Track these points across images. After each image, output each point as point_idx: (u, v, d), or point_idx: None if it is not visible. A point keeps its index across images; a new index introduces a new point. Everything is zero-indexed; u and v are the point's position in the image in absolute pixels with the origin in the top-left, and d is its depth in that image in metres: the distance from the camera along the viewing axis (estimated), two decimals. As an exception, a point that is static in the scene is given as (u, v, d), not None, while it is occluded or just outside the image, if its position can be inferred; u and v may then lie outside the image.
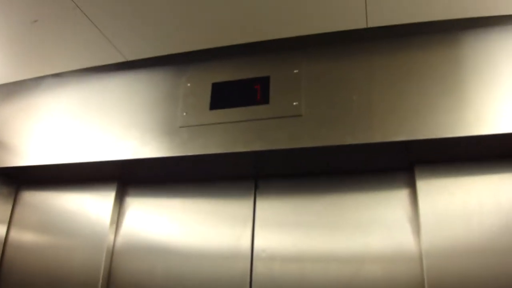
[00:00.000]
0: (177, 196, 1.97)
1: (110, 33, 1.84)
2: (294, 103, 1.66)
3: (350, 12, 1.64)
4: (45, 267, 2.01)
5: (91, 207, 2.04)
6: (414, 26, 1.67)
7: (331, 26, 1.72)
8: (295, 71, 1.73)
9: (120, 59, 2.02)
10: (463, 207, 1.55)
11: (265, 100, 1.71)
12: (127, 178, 2.07)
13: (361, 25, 1.70)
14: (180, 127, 1.78)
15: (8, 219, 2.17)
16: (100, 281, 1.88)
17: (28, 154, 2.02)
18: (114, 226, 2.00)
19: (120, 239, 1.98)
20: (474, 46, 1.57)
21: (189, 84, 1.86)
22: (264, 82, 1.75)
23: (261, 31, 1.79)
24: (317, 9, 1.65)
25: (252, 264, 1.74)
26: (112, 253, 1.96)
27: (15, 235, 2.15)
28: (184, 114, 1.80)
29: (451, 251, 1.50)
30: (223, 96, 1.78)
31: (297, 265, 1.69)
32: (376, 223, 1.67)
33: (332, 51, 1.73)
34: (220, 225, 1.85)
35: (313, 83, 1.69)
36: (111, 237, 1.97)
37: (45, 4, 1.69)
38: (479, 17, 1.62)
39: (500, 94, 1.47)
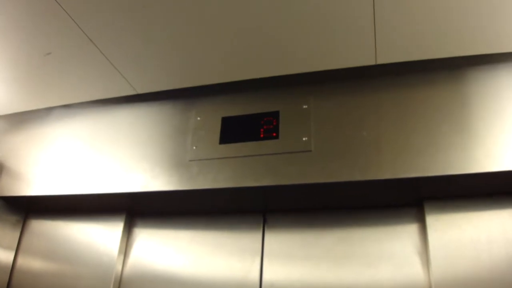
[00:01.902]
0: (185, 228, 2.00)
1: (122, 66, 1.89)
2: (304, 139, 1.70)
3: (359, 49, 1.68)
4: (52, 295, 2.04)
5: (99, 237, 2.08)
6: (423, 63, 1.71)
7: (341, 62, 1.76)
8: (304, 106, 1.76)
9: (131, 92, 2.06)
10: (472, 241, 1.57)
11: (274, 135, 1.74)
12: (135, 209, 2.10)
13: (370, 62, 1.74)
14: (190, 160, 1.82)
15: (15, 247, 2.20)
16: (108, 310, 1.91)
17: (37, 184, 2.06)
18: (122, 256, 2.03)
19: (128, 269, 2.00)
20: (481, 83, 1.61)
21: (199, 118, 1.90)
22: (273, 117, 1.79)
23: (271, 66, 1.83)
24: (327, 46, 1.69)
25: (261, 298, 1.76)
26: (119, 283, 1.98)
27: (22, 262, 2.17)
28: (194, 147, 1.83)
29: (461, 285, 1.52)
30: (233, 130, 1.82)
31: (306, 299, 1.71)
32: (386, 257, 1.68)
33: (341, 87, 1.77)
34: (228, 258, 1.87)
35: (322, 119, 1.72)
36: (119, 267, 1.99)
37: (59, 38, 1.74)
38: (486, 54, 1.66)
39: (507, 131, 1.50)
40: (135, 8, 1.56)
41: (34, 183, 2.07)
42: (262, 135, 1.76)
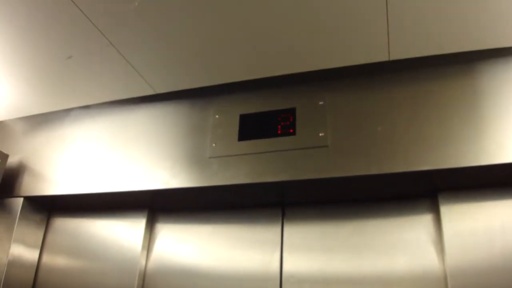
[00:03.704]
0: (206, 223, 2.10)
1: (141, 67, 1.99)
2: (320, 134, 1.79)
3: (373, 45, 1.76)
4: (77, 291, 2.16)
5: (122, 233, 2.19)
6: (435, 58, 1.78)
7: (355, 59, 1.85)
8: (320, 102, 1.86)
9: (150, 92, 2.17)
10: (486, 230, 1.65)
11: (291, 131, 1.84)
12: (157, 206, 2.21)
13: (383, 58, 1.83)
14: (210, 157, 1.92)
15: (40, 245, 2.33)
16: (133, 303, 2.03)
17: (59, 183, 2.18)
18: (145, 251, 2.14)
19: (151, 264, 2.12)
20: (492, 76, 1.69)
21: (217, 116, 2.01)
22: (290, 113, 1.88)
23: (287, 64, 1.92)
24: (341, 43, 1.77)
25: (281, 288, 1.86)
26: (144, 277, 2.09)
27: (47, 260, 2.29)
28: (214, 145, 1.94)
29: (475, 272, 1.60)
30: (251, 128, 1.92)
31: (325, 289, 1.81)
32: (401, 247, 1.77)
33: (356, 83, 1.85)
34: (249, 251, 1.97)
35: (338, 115, 1.82)
36: (143, 262, 2.11)
37: (80, 41, 1.85)
38: (497, 48, 1.73)
39: (519, 123, 1.57)
40: (154, 12, 1.65)
41: (56, 182, 2.19)
42: (279, 132, 1.86)
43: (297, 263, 1.88)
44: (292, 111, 1.89)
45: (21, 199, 2.24)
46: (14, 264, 2.16)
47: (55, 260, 2.28)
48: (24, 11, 1.69)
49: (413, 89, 1.76)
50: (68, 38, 1.83)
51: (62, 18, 1.71)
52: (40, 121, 2.44)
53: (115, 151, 2.14)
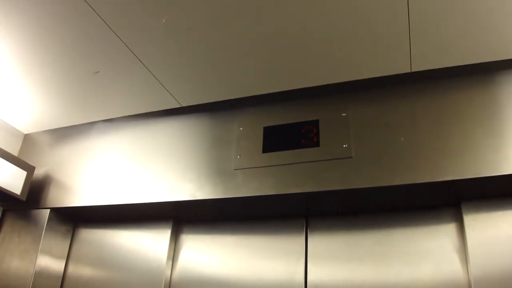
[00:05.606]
0: (231, 234, 2.17)
1: (167, 82, 2.09)
2: (344, 146, 1.86)
3: (395, 57, 1.83)
4: (103, 302, 2.23)
5: (147, 244, 2.27)
6: (456, 69, 1.85)
7: (377, 71, 1.92)
8: (343, 114, 1.93)
9: (175, 105, 2.27)
10: (510, 239, 1.68)
11: (315, 142, 1.91)
12: (182, 217, 2.28)
13: (405, 69, 1.89)
14: (235, 169, 2.00)
15: (66, 255, 2.41)
16: (159, 313, 2.09)
17: (85, 195, 2.27)
18: (171, 262, 2.21)
19: (176, 274, 2.19)
20: (513, 85, 1.73)
21: (241, 128, 2.09)
22: (313, 125, 1.95)
23: (310, 77, 1.99)
24: (365, 56, 1.84)
25: (306, 299, 1.91)
26: (169, 287, 2.16)
27: (73, 270, 2.38)
28: (238, 157, 2.02)
29: (499, 281, 1.63)
30: (275, 139, 1.99)
31: (350, 299, 1.85)
32: (425, 256, 1.81)
33: (378, 95, 1.92)
34: (273, 261, 2.03)
35: (361, 126, 1.88)
36: (168, 272, 2.18)
37: (108, 57, 1.95)
38: (517, 58, 1.78)
39: (540, 132, 1.61)
40: (181, 28, 1.75)
41: (82, 194, 2.28)
42: (303, 143, 1.93)
43: (321, 273, 1.93)
44: (315, 123, 1.96)
45: (48, 211, 2.34)
46: (41, 275, 2.24)
47: (81, 271, 2.36)
48: (53, 27, 1.80)
49: (435, 100, 1.82)
50: (95, 53, 1.93)
51: (91, 34, 1.81)
52: (66, 134, 2.54)
53: (140, 163, 2.22)
